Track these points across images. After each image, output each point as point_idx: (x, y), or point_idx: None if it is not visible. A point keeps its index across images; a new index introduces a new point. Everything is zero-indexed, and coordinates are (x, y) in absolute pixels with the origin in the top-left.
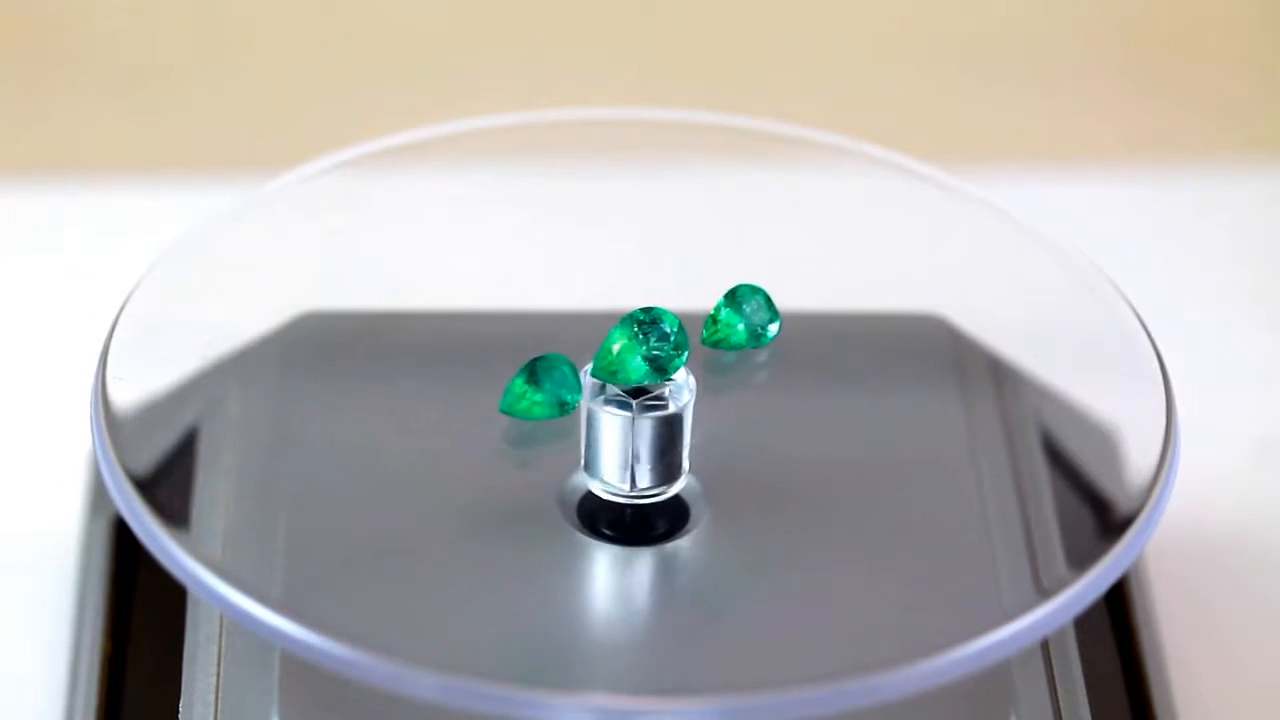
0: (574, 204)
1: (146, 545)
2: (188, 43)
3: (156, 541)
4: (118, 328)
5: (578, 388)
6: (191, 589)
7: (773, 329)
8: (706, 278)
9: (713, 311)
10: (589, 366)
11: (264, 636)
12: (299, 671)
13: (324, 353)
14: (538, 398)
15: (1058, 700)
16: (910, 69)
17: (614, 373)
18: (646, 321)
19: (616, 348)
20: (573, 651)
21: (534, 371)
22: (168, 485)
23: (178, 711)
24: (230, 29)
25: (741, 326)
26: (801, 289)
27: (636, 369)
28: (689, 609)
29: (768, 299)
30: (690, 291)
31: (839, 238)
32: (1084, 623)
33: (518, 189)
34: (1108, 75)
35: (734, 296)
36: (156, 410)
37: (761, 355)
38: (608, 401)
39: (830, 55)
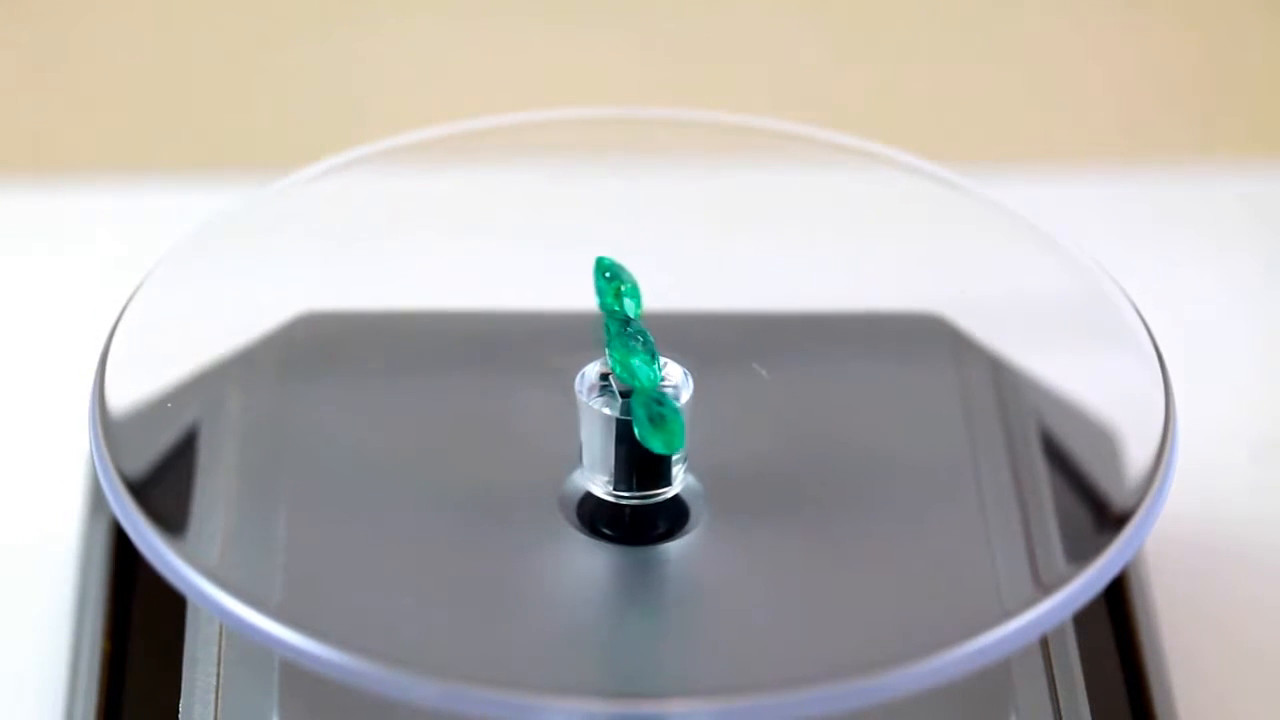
0: (573, 204)
1: (143, 552)
2: (188, 43)
3: (153, 549)
4: (119, 329)
5: (676, 409)
6: (189, 597)
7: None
8: (706, 277)
9: (613, 292)
10: (585, 371)
11: (261, 645)
12: (299, 672)
13: (324, 353)
14: (678, 424)
15: (1057, 699)
16: (910, 67)
17: (630, 379)
18: (623, 322)
19: (626, 364)
20: (573, 654)
21: (655, 419)
22: (167, 486)
23: (178, 711)
24: (230, 29)
25: (634, 289)
26: (802, 289)
27: (650, 370)
28: (688, 609)
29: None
30: (689, 291)
31: (839, 237)
32: (1084, 621)
33: (518, 189)
34: (1108, 74)
35: (608, 271)
36: (156, 411)
37: (762, 354)
38: (608, 402)
39: (830, 52)
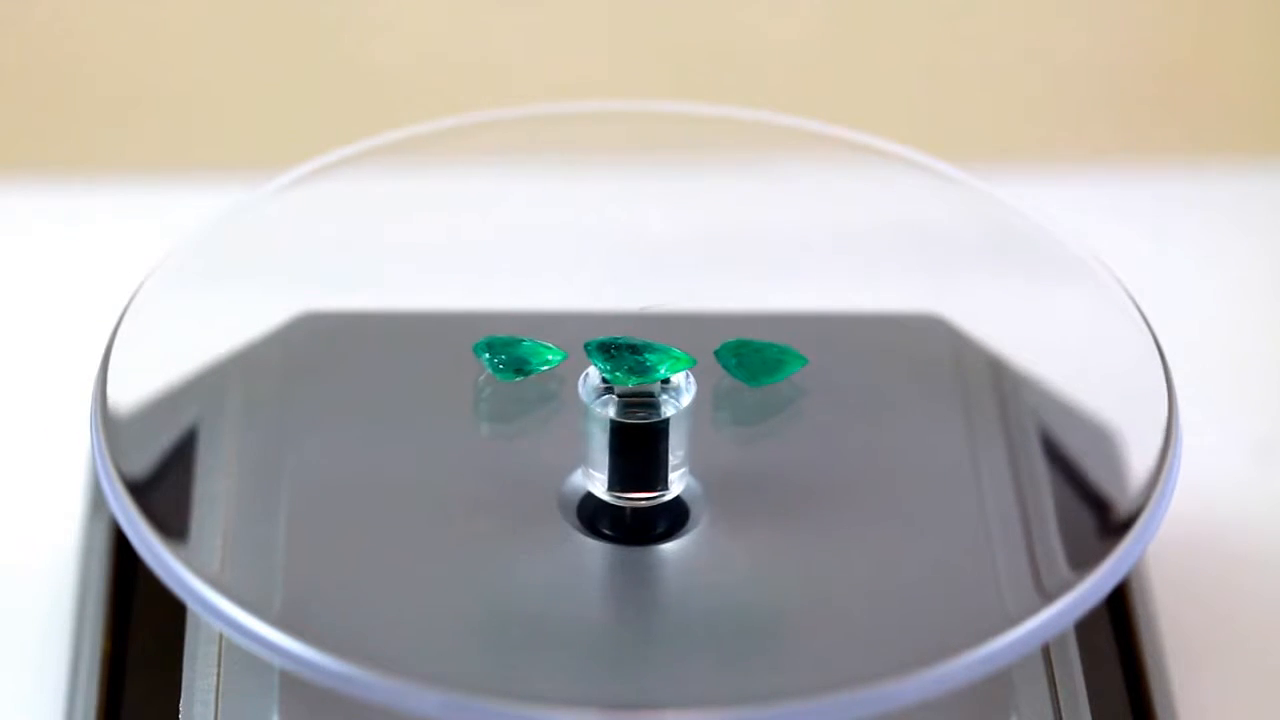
0: (573, 202)
1: (143, 557)
2: (187, 43)
3: (154, 554)
4: (120, 329)
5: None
6: (189, 604)
7: None
8: (706, 277)
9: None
10: (587, 371)
11: (261, 653)
12: None
13: (324, 353)
14: (777, 353)
15: (1058, 700)
16: (913, 67)
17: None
18: (620, 346)
19: (657, 362)
20: (574, 660)
21: (759, 362)
22: (167, 486)
23: (178, 711)
24: (229, 29)
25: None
26: (801, 289)
27: (669, 354)
28: (687, 613)
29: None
30: (689, 291)
31: (839, 237)
32: (1084, 623)
33: (518, 187)
34: (1108, 75)
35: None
36: (156, 411)
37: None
38: (609, 405)
39: (831, 50)
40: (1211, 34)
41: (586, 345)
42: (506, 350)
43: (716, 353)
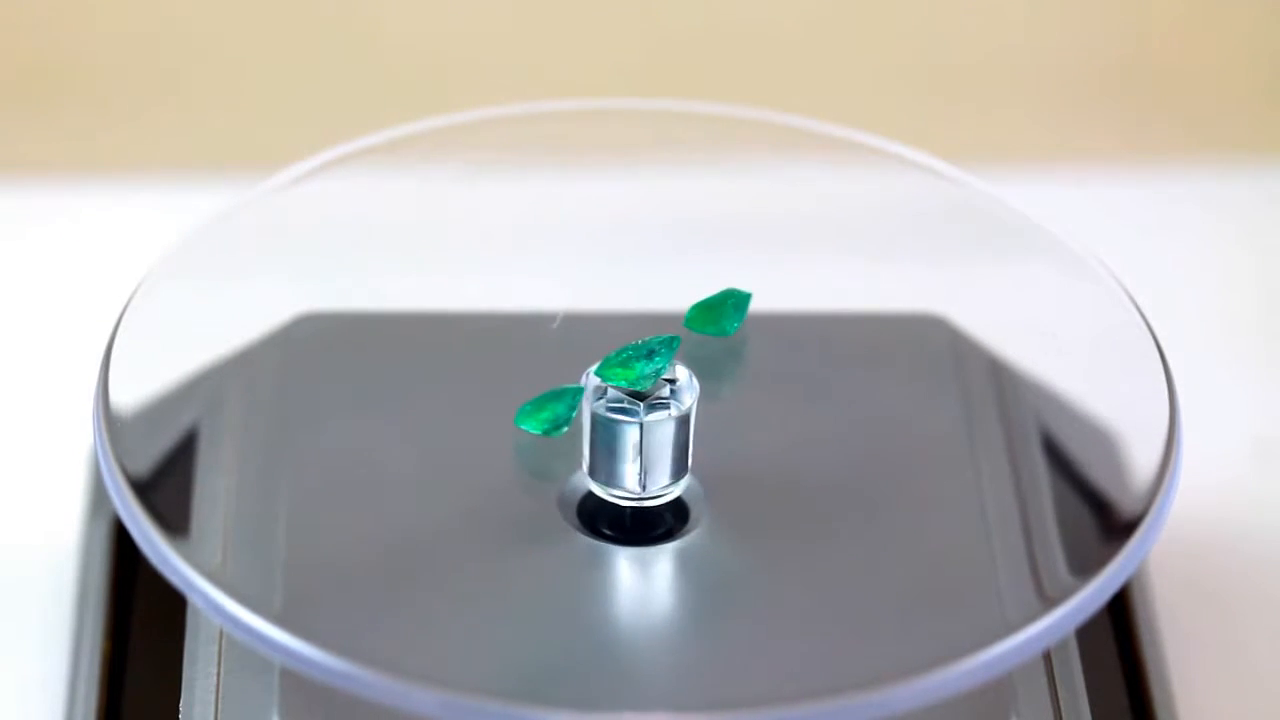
0: (573, 202)
1: (147, 554)
2: (185, 43)
3: (156, 551)
4: (120, 329)
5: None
6: (192, 600)
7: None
8: (706, 276)
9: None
10: (588, 372)
11: (262, 651)
12: (299, 671)
13: (324, 353)
14: (730, 299)
15: (1058, 702)
16: (913, 67)
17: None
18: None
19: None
20: (572, 659)
21: (726, 304)
22: (167, 486)
23: (178, 712)
24: (227, 29)
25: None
26: (801, 288)
27: (663, 346)
28: (687, 615)
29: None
30: (689, 291)
31: (840, 237)
32: (1085, 625)
33: (517, 188)
34: (1108, 75)
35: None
36: (157, 411)
37: (762, 355)
38: (610, 404)
39: (831, 49)
40: (1210, 33)
41: (598, 371)
42: (546, 409)
43: (686, 322)
